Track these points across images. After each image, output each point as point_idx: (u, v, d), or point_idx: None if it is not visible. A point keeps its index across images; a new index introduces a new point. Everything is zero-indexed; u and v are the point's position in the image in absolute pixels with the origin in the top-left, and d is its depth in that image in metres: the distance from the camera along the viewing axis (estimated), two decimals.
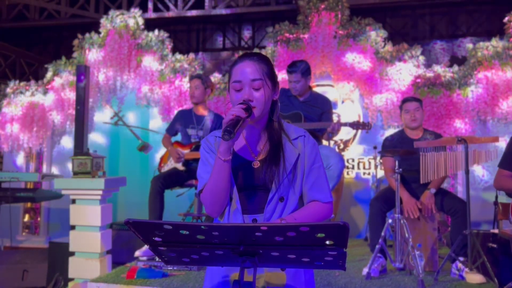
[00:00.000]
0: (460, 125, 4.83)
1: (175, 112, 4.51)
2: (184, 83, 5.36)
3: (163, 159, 4.09)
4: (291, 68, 3.59)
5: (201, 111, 3.95)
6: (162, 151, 4.70)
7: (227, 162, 1.41)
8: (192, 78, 4.00)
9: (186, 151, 3.88)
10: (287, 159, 1.47)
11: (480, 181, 4.87)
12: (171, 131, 4.08)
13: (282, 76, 4.82)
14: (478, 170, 4.86)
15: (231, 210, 1.47)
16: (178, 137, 4.12)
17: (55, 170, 5.96)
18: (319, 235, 1.04)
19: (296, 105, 3.64)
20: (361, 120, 5.17)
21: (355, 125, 3.54)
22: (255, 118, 1.46)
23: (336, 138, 5.13)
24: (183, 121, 3.98)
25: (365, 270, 3.11)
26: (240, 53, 5.64)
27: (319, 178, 1.51)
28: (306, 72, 3.60)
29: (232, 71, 1.50)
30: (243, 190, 1.47)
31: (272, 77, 1.52)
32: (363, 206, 5.09)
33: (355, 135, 5.28)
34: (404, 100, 3.58)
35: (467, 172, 3.11)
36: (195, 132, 3.92)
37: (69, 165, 4.66)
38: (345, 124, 3.55)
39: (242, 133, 1.54)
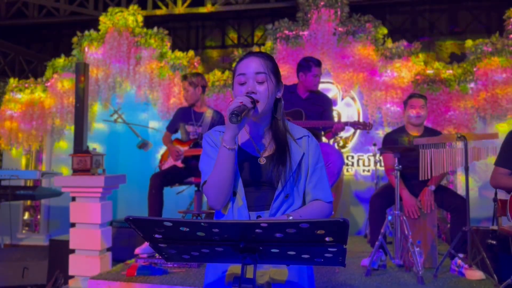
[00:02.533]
0: (460, 122, 4.83)
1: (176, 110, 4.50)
2: None
3: (163, 157, 4.09)
4: (318, 61, 3.59)
5: (200, 108, 3.95)
6: (161, 148, 4.70)
7: (232, 151, 1.41)
8: (182, 79, 4.04)
9: (185, 148, 3.88)
10: (293, 158, 1.49)
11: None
12: (171, 129, 4.08)
13: (282, 73, 4.81)
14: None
15: (235, 206, 1.47)
16: (179, 135, 4.12)
17: (54, 168, 5.95)
18: (319, 231, 1.04)
19: (297, 103, 3.62)
20: (361, 117, 5.19)
21: (355, 125, 3.49)
22: (258, 113, 1.46)
23: None
24: (182, 118, 3.98)
25: (364, 261, 3.12)
26: (240, 50, 5.68)
27: (322, 178, 1.54)
28: None
29: (236, 67, 1.51)
30: (248, 185, 1.47)
31: (276, 74, 1.53)
32: (362, 203, 5.09)
33: (354, 133, 5.28)
34: (411, 96, 3.53)
35: (466, 169, 3.10)
36: (194, 129, 3.92)
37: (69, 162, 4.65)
38: (346, 124, 3.52)
39: (246, 129, 1.55)
